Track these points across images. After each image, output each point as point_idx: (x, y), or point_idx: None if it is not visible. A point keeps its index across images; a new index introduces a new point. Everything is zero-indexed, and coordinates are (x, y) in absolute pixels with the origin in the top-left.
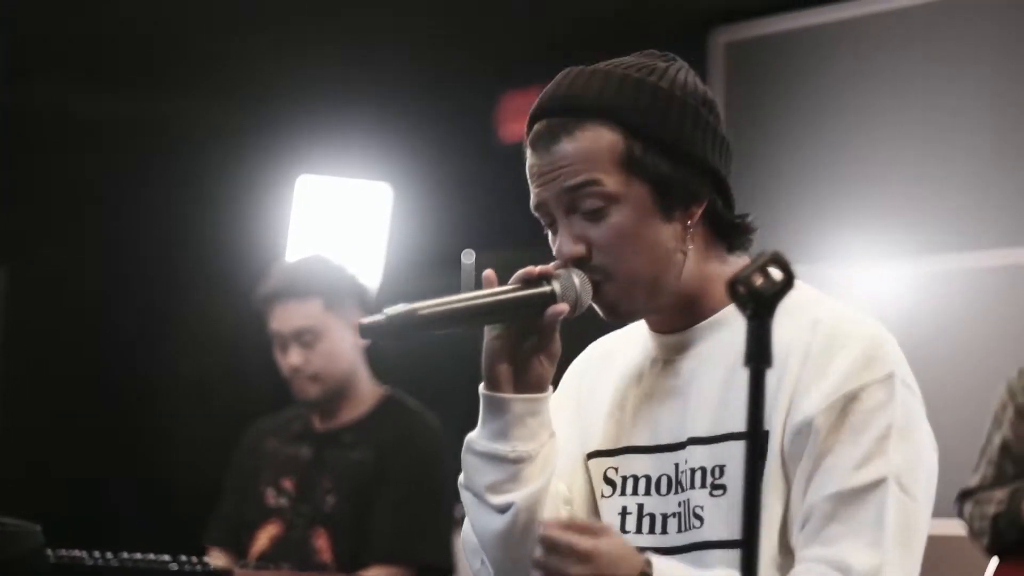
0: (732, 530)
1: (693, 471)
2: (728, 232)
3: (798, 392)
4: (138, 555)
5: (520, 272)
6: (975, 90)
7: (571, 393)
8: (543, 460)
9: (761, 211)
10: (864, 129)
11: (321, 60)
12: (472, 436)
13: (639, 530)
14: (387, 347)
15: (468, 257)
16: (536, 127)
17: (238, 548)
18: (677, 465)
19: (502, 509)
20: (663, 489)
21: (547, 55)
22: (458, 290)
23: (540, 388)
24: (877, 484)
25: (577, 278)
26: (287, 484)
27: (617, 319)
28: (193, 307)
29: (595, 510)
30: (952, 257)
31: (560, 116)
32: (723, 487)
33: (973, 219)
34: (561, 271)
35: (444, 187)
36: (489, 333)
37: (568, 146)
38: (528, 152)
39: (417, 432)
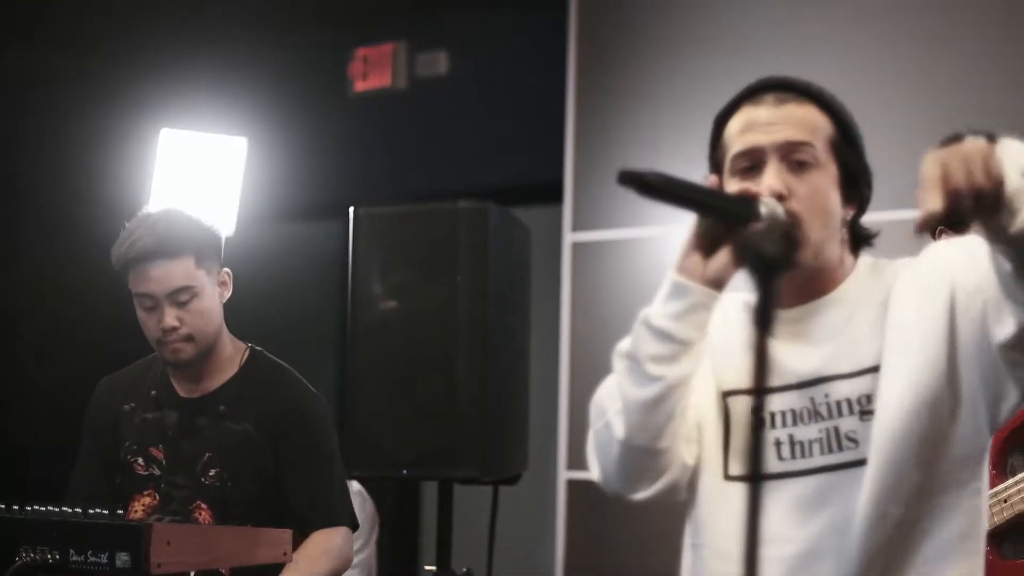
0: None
1: (839, 403)
2: (858, 239)
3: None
4: (52, 508)
5: (741, 187)
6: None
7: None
8: (698, 351)
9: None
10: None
11: (181, 13)
12: (650, 312)
13: (793, 456)
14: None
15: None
16: (765, 92)
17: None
18: (813, 399)
19: (656, 379)
20: (806, 419)
21: (400, 11)
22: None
23: (719, 287)
24: None
25: (780, 209)
26: (155, 452)
27: (780, 264)
28: (45, 258)
29: (726, 442)
30: None
31: (790, 91)
32: (871, 412)
33: None
34: (767, 199)
35: (298, 140)
36: (696, 227)
37: (797, 111)
38: (746, 108)
39: (301, 395)
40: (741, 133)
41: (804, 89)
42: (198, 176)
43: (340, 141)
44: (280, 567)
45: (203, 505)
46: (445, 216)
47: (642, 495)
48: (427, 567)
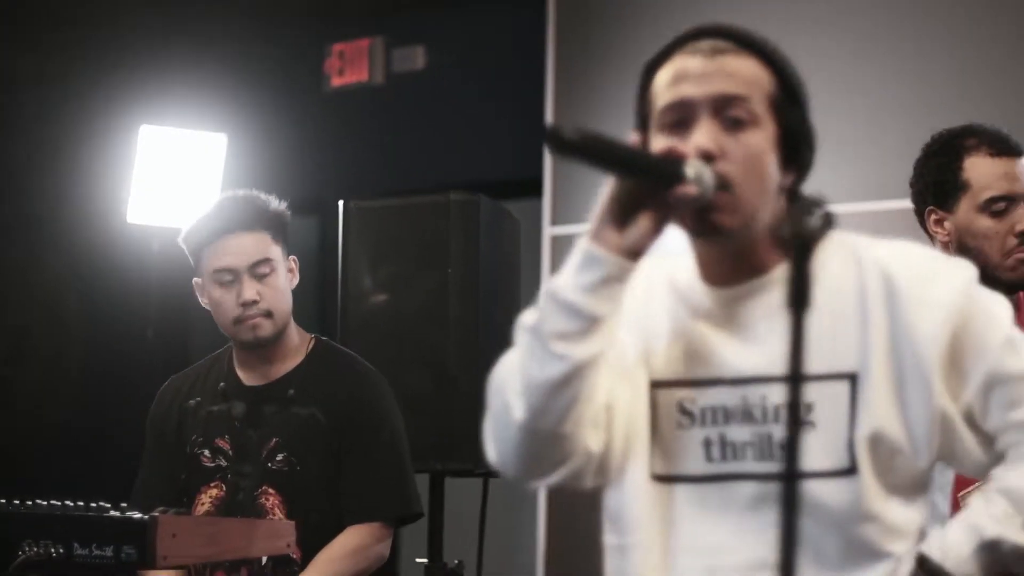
0: (824, 462)
1: (777, 407)
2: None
3: (904, 325)
4: (56, 502)
5: (662, 147)
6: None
7: (634, 307)
8: (610, 328)
9: None
10: None
11: (159, 10)
12: (559, 283)
13: (723, 458)
14: None
15: (341, 205)
16: (700, 40)
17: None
18: (751, 399)
19: (561, 358)
20: (739, 420)
21: (377, 6)
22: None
23: (635, 257)
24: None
25: (708, 172)
26: (222, 443)
27: (707, 231)
28: (22, 254)
29: (655, 434)
30: None
31: (729, 41)
32: (811, 423)
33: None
34: (694, 160)
35: (276, 136)
36: (612, 189)
37: (734, 62)
38: (678, 57)
39: (367, 385)
40: (670, 85)
41: (744, 39)
42: (178, 172)
43: (318, 136)
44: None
45: (270, 490)
46: (436, 208)
47: (541, 482)
48: (418, 559)
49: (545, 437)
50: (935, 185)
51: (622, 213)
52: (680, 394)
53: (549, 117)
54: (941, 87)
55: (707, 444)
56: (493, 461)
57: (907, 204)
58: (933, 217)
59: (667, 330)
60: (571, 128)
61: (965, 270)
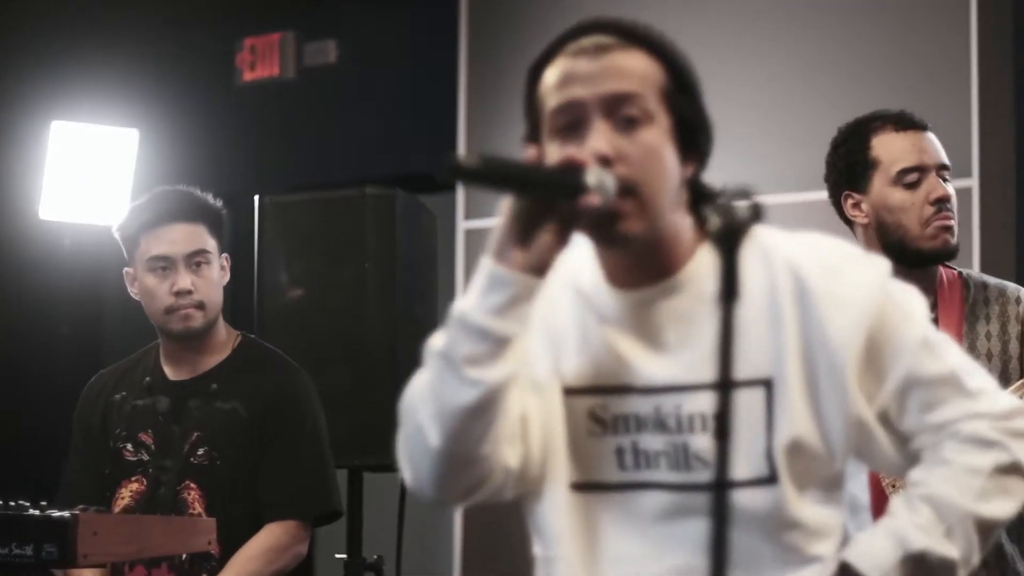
0: (741, 471)
1: (691, 416)
2: (699, 199)
3: (817, 326)
4: None
5: (560, 157)
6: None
7: (540, 314)
8: (521, 346)
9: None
10: None
11: (69, 5)
12: (466, 306)
13: (637, 466)
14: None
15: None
16: (585, 38)
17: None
18: (665, 409)
19: (475, 383)
20: (651, 428)
21: (288, 0)
22: None
23: (541, 273)
24: (926, 344)
25: (609, 177)
26: (145, 438)
27: (613, 239)
28: None
29: (570, 443)
30: None
31: (614, 36)
32: (726, 433)
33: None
34: (595, 167)
35: (188, 131)
36: (512, 207)
37: (621, 59)
38: (566, 59)
39: (290, 381)
40: (558, 87)
41: (629, 32)
42: (90, 168)
43: (229, 131)
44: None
45: (192, 485)
46: (352, 203)
47: (462, 503)
48: (337, 555)
49: (463, 461)
50: (847, 169)
51: (524, 230)
52: (591, 402)
53: (462, 110)
54: (856, 78)
55: (619, 452)
56: (409, 484)
57: (820, 195)
58: (850, 201)
59: (575, 337)
60: (468, 157)
61: (878, 265)
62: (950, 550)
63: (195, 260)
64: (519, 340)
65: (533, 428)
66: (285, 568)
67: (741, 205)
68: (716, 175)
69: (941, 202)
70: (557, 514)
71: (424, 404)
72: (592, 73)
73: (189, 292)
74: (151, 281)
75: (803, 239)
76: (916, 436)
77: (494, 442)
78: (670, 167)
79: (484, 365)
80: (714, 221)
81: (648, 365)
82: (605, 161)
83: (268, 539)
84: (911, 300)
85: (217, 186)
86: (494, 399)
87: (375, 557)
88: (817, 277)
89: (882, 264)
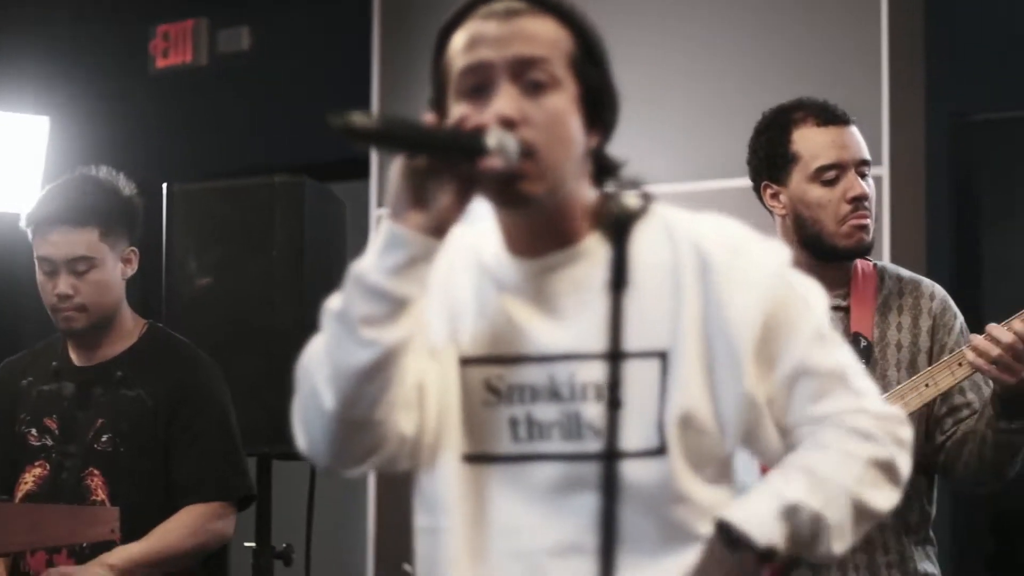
0: (632, 441)
1: (584, 385)
2: (603, 170)
3: (716, 303)
4: None
5: (458, 117)
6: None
7: (438, 281)
8: (418, 309)
9: None
10: None
11: None
12: (364, 266)
13: (531, 437)
14: None
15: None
16: (495, 2)
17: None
18: (559, 378)
19: (371, 343)
20: (545, 398)
21: None
22: None
23: (441, 235)
24: (818, 337)
25: (511, 140)
26: (49, 423)
27: (513, 201)
28: None
29: (465, 413)
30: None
31: (525, 1)
32: (622, 402)
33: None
34: (496, 129)
35: (100, 118)
36: (409, 165)
37: (531, 24)
38: (475, 22)
39: (197, 369)
40: (466, 49)
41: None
42: (0, 156)
43: (142, 118)
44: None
45: (95, 471)
46: (260, 191)
47: (355, 471)
48: (246, 543)
49: (357, 425)
50: (767, 160)
51: (422, 190)
52: (487, 371)
53: (375, 97)
54: (766, 64)
55: (513, 423)
56: (304, 449)
57: (747, 182)
58: (769, 191)
59: (473, 306)
60: (364, 116)
61: (780, 252)
62: (825, 510)
63: (76, 267)
64: (416, 302)
65: (429, 397)
66: (207, 545)
67: (631, 194)
68: (631, 164)
69: (858, 200)
70: (448, 485)
71: (319, 367)
72: (501, 36)
73: (69, 296)
74: (40, 278)
75: (708, 218)
76: (797, 428)
77: (389, 407)
78: (575, 134)
79: (380, 326)
80: (609, 211)
81: (544, 334)
82: (509, 124)
83: (188, 516)
84: (811, 291)
85: (129, 174)
86: (390, 361)
87: (284, 546)
88: (720, 255)
89: (784, 251)
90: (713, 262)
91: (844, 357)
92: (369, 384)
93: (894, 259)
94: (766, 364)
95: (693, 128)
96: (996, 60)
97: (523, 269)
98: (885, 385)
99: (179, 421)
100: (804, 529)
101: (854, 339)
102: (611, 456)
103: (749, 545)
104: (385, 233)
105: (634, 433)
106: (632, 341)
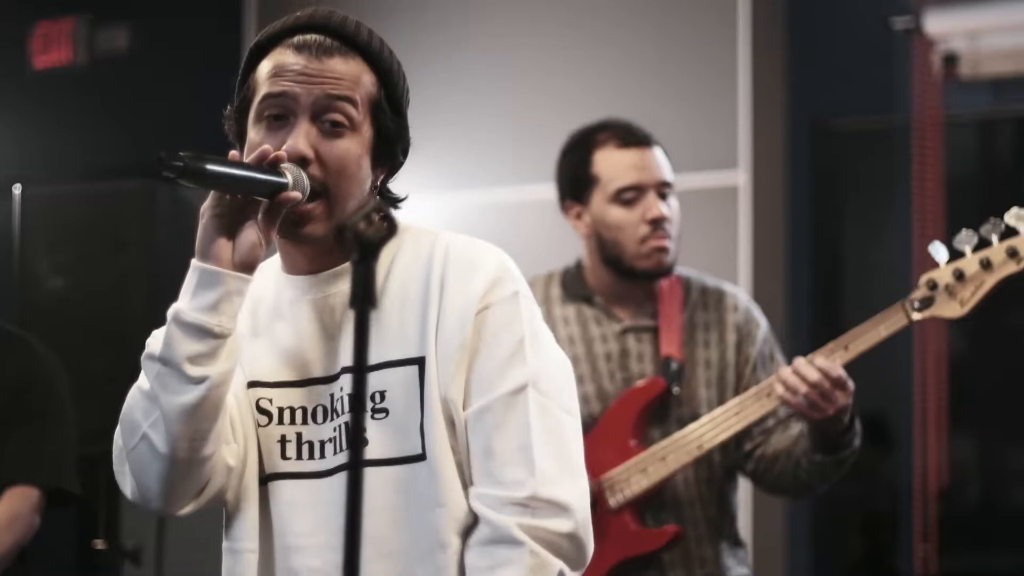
0: (396, 448)
1: (351, 397)
2: (384, 200)
3: (444, 318)
4: None
5: (258, 152)
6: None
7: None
8: (235, 343)
9: None
10: None
11: None
12: (180, 307)
13: (299, 456)
14: None
15: (17, 190)
16: (308, 35)
17: None
18: (332, 395)
19: (198, 381)
20: (319, 418)
21: None
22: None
23: (250, 269)
24: (518, 391)
25: (304, 176)
26: None
27: (298, 236)
28: None
29: (255, 436)
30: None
31: (336, 39)
32: (385, 411)
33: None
34: (290, 164)
35: None
36: (212, 207)
37: (341, 65)
38: (287, 51)
39: (37, 366)
40: (274, 76)
41: (352, 38)
42: None
43: (20, 119)
44: None
45: None
46: (110, 196)
47: (187, 509)
48: (96, 543)
49: (189, 464)
50: (571, 180)
51: (229, 227)
52: (260, 393)
53: None
54: (635, 70)
55: (283, 442)
56: (132, 497)
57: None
58: (573, 211)
59: (250, 327)
60: (177, 155)
61: (515, 284)
62: None
63: None
64: (233, 336)
65: (237, 425)
66: (24, 539)
67: (377, 221)
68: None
69: (657, 222)
70: (246, 506)
71: (146, 414)
72: (310, 72)
73: None
74: None
75: (465, 238)
76: (473, 479)
77: (216, 441)
78: (363, 175)
79: (205, 362)
80: (349, 239)
81: (317, 353)
82: (302, 161)
83: (8, 508)
84: (539, 338)
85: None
86: (216, 395)
87: (133, 545)
88: (454, 266)
89: (520, 286)
90: (448, 271)
91: (534, 420)
92: (199, 420)
93: (755, 264)
94: (466, 386)
95: (534, 132)
96: (856, 66)
97: (300, 285)
98: (695, 405)
99: (15, 416)
100: None
101: (665, 363)
102: (356, 465)
103: None
104: (197, 273)
105: (396, 440)
106: (394, 350)
